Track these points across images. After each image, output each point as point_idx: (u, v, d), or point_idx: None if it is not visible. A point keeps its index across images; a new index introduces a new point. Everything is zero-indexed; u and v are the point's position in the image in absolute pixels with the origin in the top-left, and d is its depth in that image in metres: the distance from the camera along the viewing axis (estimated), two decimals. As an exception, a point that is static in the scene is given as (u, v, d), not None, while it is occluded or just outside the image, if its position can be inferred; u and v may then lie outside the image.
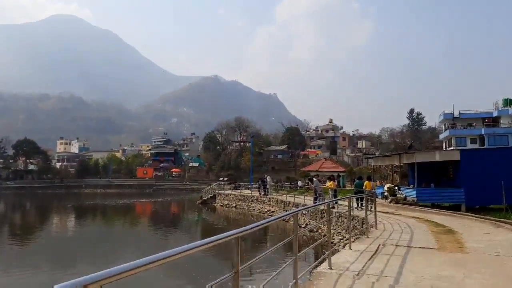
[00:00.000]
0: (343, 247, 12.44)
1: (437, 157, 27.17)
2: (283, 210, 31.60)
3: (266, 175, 46.98)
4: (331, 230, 19.31)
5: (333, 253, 12.18)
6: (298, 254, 5.44)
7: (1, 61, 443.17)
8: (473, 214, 19.75)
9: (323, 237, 19.84)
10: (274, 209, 35.33)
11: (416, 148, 40.14)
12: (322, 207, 24.19)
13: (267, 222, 4.02)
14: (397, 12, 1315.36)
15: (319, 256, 12.38)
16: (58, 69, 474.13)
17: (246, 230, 3.43)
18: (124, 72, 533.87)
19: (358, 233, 13.87)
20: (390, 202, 25.90)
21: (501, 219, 17.46)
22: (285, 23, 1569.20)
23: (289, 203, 31.88)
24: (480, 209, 24.25)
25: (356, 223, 17.34)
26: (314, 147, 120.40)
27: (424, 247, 9.92)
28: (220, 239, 3.13)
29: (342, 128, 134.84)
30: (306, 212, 26.90)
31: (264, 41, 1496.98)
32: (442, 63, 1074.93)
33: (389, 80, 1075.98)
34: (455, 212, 21.66)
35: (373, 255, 8.77)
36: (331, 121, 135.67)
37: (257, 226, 3.61)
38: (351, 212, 18.18)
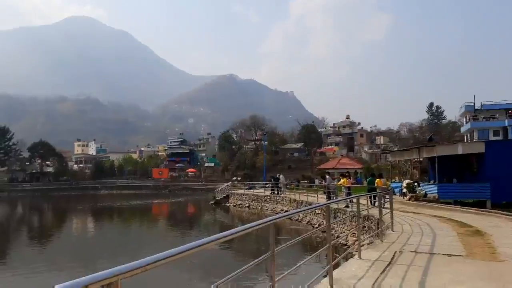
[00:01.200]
0: (357, 250, 10.88)
1: (460, 149, 25.32)
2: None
3: (278, 174, 45.49)
4: (333, 232, 17.55)
5: (345, 258, 10.62)
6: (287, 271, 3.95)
7: (19, 64, 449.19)
8: (502, 212, 17.90)
9: (336, 238, 18.28)
10: (288, 208, 33.89)
11: (436, 141, 38.18)
12: (335, 205, 22.62)
13: (195, 247, 2.47)
14: (415, 3, 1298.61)
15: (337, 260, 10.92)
16: (75, 71, 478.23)
17: (132, 269, 1.90)
18: (140, 72, 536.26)
19: (374, 235, 12.30)
20: (409, 200, 24.19)
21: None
22: (300, 19, 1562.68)
23: (302, 202, 30.38)
24: (508, 205, 22.47)
25: (371, 223, 15.76)
26: (331, 144, 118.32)
27: (449, 254, 8.29)
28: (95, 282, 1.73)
29: (359, 124, 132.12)
30: (320, 211, 25.29)
31: (279, 38, 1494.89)
32: (462, 55, 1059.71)
33: (408, 74, 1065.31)
34: (481, 209, 19.84)
35: (387, 266, 7.20)
36: (348, 117, 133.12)
37: (146, 263, 2.04)
38: (361, 212, 16.65)
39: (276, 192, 39.55)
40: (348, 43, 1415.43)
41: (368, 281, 6.16)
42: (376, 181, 22.40)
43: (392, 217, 12.77)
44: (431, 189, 25.84)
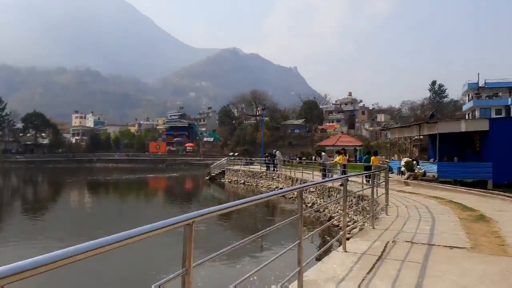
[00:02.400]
0: (348, 236, 9.72)
1: (463, 127, 23.95)
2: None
3: (275, 150, 44.31)
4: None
5: (338, 241, 9.40)
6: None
7: (18, 35, 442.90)
8: (506, 194, 16.61)
9: (329, 219, 17.16)
10: (283, 185, 32.87)
11: (438, 118, 36.81)
12: (329, 184, 21.44)
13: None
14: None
15: (332, 244, 9.78)
16: (74, 42, 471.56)
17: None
18: (141, 44, 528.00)
19: (369, 216, 11.09)
20: (407, 179, 22.94)
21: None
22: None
23: (297, 179, 29.27)
24: (510, 185, 21.29)
25: (366, 204, 14.57)
26: (332, 121, 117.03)
27: (451, 246, 7.05)
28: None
29: (361, 101, 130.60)
30: (314, 189, 24.13)
31: (284, 12, 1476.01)
32: (468, 32, 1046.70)
33: (413, 52, 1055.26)
34: (484, 190, 18.58)
35: (376, 261, 5.97)
36: (350, 94, 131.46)
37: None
38: (356, 193, 15.41)
39: (272, 168, 38.47)
40: (354, 18, 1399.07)
41: (350, 285, 4.93)
42: (371, 159, 21.20)
43: (387, 199, 11.53)
44: (431, 168, 24.61)
